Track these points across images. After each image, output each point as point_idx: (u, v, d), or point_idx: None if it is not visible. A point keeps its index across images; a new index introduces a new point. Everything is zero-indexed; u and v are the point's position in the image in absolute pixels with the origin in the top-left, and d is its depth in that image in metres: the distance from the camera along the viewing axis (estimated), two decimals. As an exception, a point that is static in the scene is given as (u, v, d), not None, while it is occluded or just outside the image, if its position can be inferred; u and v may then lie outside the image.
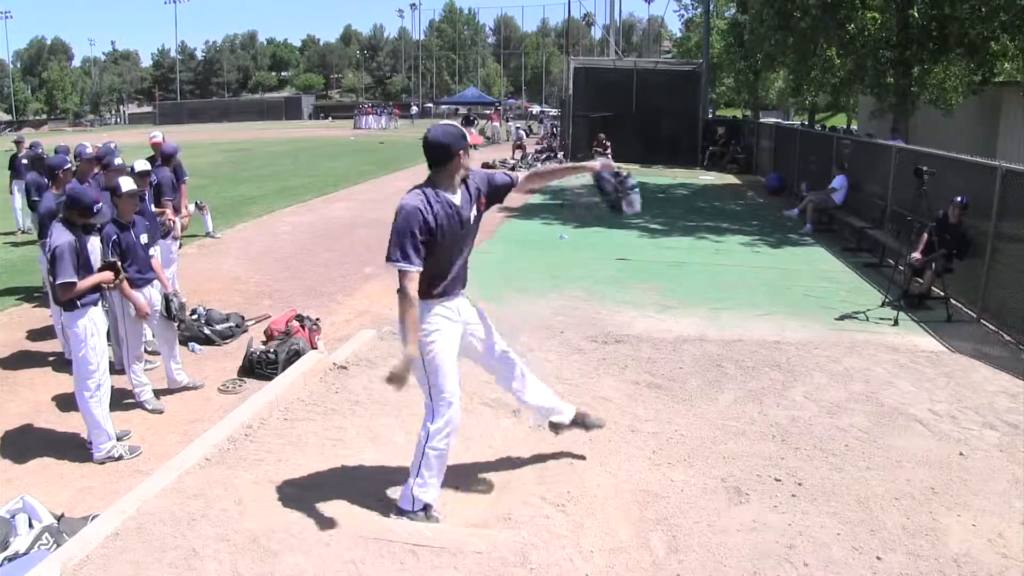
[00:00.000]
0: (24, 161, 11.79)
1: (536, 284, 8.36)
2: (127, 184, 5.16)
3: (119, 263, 4.77)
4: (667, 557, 3.38)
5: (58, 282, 4.26)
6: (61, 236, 4.30)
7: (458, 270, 3.63)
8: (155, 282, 5.37)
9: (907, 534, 3.58)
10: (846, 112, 37.38)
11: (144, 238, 5.27)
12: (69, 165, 6.40)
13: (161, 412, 5.20)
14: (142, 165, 6.34)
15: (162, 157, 8.02)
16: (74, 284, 4.29)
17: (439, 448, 3.51)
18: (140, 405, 5.23)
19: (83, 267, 4.39)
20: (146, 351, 5.73)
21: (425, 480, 3.55)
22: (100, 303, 4.65)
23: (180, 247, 10.26)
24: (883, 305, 7.57)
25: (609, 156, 21.83)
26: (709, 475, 4.11)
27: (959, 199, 7.65)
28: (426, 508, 3.59)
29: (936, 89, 14.52)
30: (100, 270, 4.59)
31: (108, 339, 4.86)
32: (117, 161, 6.31)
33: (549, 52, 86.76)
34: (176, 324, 5.56)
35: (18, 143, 12.21)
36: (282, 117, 68.69)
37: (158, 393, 5.41)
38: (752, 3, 18.12)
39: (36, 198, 7.76)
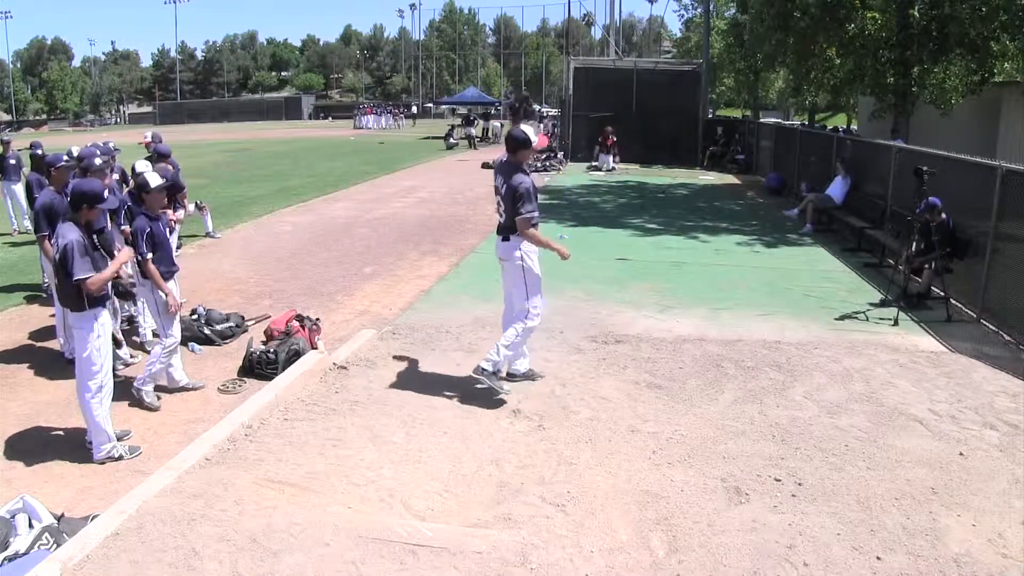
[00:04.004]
0: (12, 161, 11.77)
1: (536, 284, 8.34)
2: (155, 180, 5.28)
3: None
4: (667, 557, 3.39)
5: (76, 279, 4.24)
6: (68, 234, 4.30)
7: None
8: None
9: (907, 534, 3.58)
10: (846, 112, 37.36)
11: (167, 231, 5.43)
12: (64, 163, 6.39)
13: (156, 409, 5.21)
14: (144, 166, 6.34)
15: (157, 157, 8.04)
16: (89, 278, 4.29)
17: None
18: (139, 399, 5.22)
19: (96, 260, 4.42)
20: (144, 348, 5.75)
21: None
22: (107, 304, 4.65)
23: (180, 247, 10.31)
24: (881, 305, 7.57)
25: (614, 155, 21.96)
26: (709, 475, 4.11)
27: (929, 201, 7.66)
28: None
29: (936, 89, 14.51)
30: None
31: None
32: (97, 162, 6.25)
33: (549, 52, 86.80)
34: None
35: (5, 143, 12.16)
36: (282, 117, 68.78)
37: (157, 392, 5.42)
38: (752, 3, 18.09)
39: (37, 195, 7.76)
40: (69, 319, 4.50)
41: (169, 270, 5.46)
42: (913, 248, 7.85)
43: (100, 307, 4.49)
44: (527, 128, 5.17)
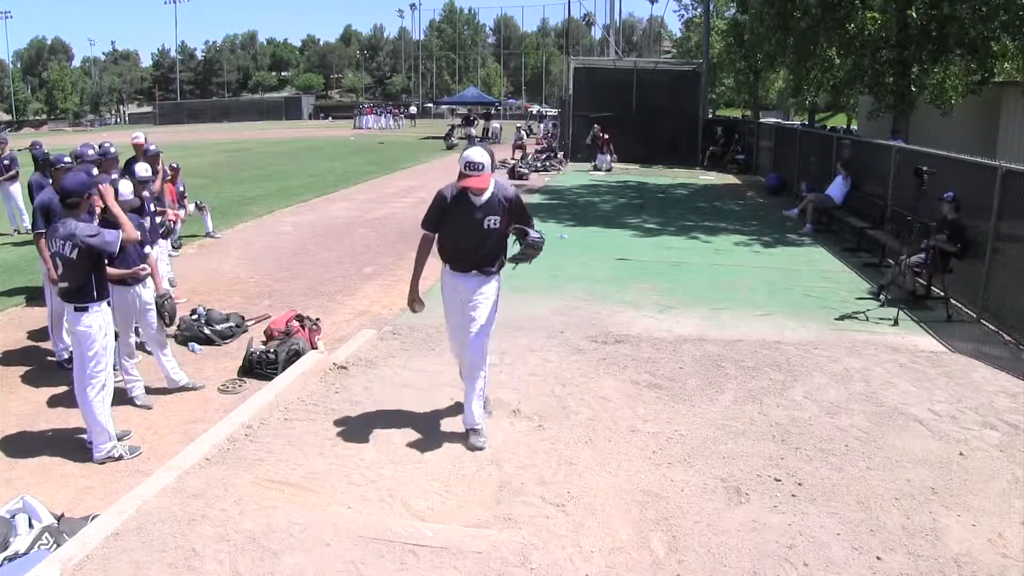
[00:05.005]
0: (6, 162, 11.76)
1: (536, 284, 8.36)
2: (125, 189, 5.13)
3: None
4: (667, 557, 3.39)
5: (120, 241, 4.45)
6: (80, 228, 4.34)
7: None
8: (147, 282, 5.36)
9: (907, 534, 3.59)
10: (846, 112, 37.38)
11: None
12: (64, 164, 6.40)
13: (149, 408, 5.21)
14: (143, 171, 6.32)
15: (148, 160, 8.01)
16: (126, 236, 4.54)
17: None
18: (130, 401, 5.23)
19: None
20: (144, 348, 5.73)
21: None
22: (109, 301, 4.65)
23: (180, 247, 10.31)
24: (881, 305, 7.57)
25: (611, 154, 21.96)
26: (709, 475, 4.11)
27: (949, 195, 7.72)
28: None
29: (936, 89, 14.52)
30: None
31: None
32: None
33: (549, 52, 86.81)
34: (169, 325, 5.56)
35: (1, 144, 12.13)
36: (282, 117, 68.67)
37: (158, 393, 5.42)
38: (752, 3, 18.10)
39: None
40: (72, 319, 4.48)
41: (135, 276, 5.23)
42: (924, 244, 7.86)
43: (106, 302, 4.50)
44: (478, 151, 4.27)
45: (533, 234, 4.32)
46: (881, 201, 10.81)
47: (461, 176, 4.24)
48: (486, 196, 4.29)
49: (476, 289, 4.44)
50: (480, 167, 4.20)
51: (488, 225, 4.30)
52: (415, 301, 4.54)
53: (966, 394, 5.38)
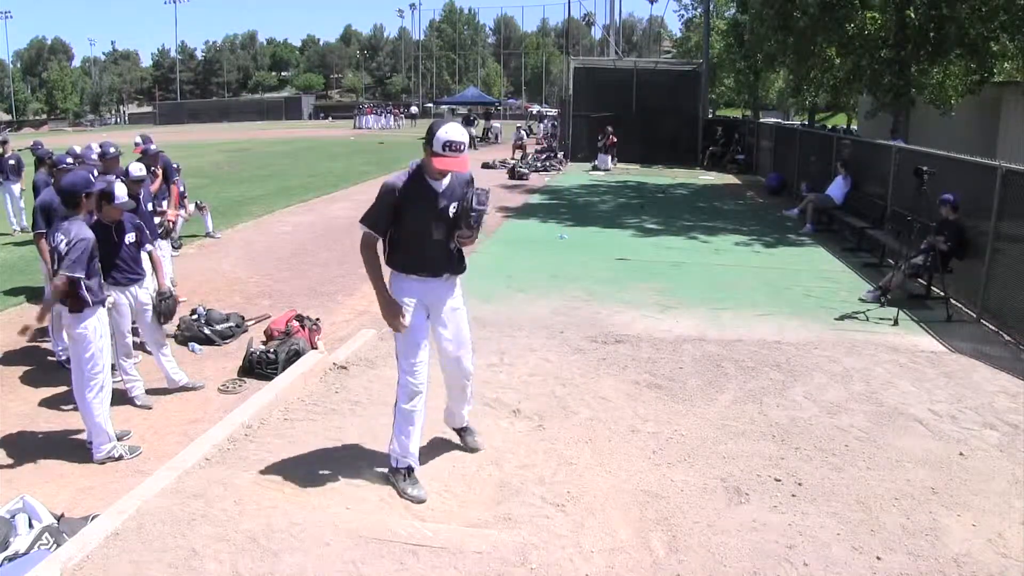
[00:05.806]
0: (11, 162, 11.79)
1: (536, 284, 8.37)
2: (121, 192, 5.07)
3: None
4: (667, 557, 3.38)
5: (66, 273, 4.22)
6: (83, 232, 4.32)
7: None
8: (143, 282, 5.35)
9: (907, 534, 3.58)
10: (846, 112, 37.36)
11: (131, 237, 5.23)
12: (66, 164, 6.41)
13: (149, 408, 5.21)
14: (138, 170, 6.31)
15: (147, 159, 8.01)
16: (78, 280, 4.27)
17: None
18: (130, 401, 5.24)
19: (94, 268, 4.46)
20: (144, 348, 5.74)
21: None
22: (105, 304, 4.65)
23: (180, 247, 10.32)
24: (881, 305, 7.57)
25: (612, 156, 21.97)
26: (709, 475, 4.11)
27: (948, 197, 7.72)
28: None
29: (935, 89, 14.52)
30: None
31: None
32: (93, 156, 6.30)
33: (549, 52, 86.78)
34: (166, 323, 5.55)
35: (3, 143, 12.17)
36: (282, 117, 68.59)
37: (158, 393, 5.42)
38: (752, 3, 18.11)
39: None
40: (67, 322, 4.48)
41: (129, 276, 5.21)
42: (924, 244, 7.87)
43: (100, 306, 4.50)
44: (458, 129, 3.69)
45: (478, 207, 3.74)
46: (881, 201, 10.82)
47: (437, 157, 3.58)
48: (447, 180, 3.72)
49: (449, 300, 3.91)
50: (462, 147, 3.60)
51: (452, 213, 3.74)
52: (398, 315, 3.77)
53: (966, 394, 5.38)
